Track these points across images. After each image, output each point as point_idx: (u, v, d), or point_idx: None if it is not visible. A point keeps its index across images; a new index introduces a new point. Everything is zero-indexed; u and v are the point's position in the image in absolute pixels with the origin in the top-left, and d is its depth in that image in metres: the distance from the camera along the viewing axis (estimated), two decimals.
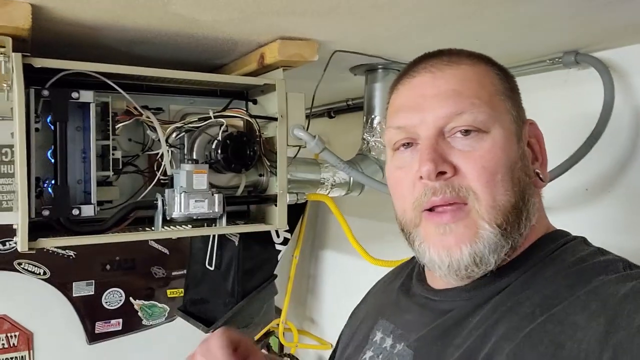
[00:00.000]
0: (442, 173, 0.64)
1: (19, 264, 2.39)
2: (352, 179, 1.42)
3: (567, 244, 0.67)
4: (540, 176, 0.70)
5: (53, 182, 1.00)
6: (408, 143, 0.69)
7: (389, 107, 0.75)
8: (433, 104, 0.66)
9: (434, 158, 0.64)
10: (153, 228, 1.11)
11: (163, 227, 1.11)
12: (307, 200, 1.97)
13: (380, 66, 1.35)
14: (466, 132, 0.65)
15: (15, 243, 0.93)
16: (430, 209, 0.66)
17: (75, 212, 1.01)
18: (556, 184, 1.14)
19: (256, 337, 2.09)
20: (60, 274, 2.44)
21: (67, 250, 2.42)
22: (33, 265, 2.41)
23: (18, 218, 0.94)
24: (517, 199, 0.65)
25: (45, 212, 0.98)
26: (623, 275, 0.57)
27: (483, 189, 0.63)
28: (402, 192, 0.70)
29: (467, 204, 0.64)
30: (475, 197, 0.63)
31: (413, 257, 0.90)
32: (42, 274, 2.43)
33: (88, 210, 1.02)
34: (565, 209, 1.27)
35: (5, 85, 1.12)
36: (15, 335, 2.43)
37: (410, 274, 0.83)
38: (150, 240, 2.59)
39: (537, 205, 0.69)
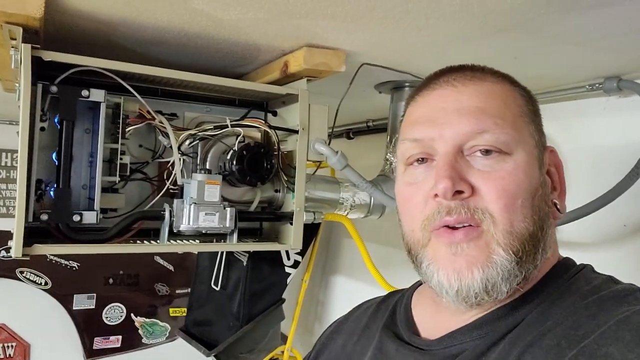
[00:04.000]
0: (460, 192, 0.59)
1: (21, 272, 2.35)
2: (372, 200, 1.35)
3: (578, 272, 0.64)
4: (558, 207, 0.66)
5: (55, 185, 0.94)
6: (423, 158, 0.65)
7: (405, 119, 0.70)
8: (453, 118, 0.62)
9: (451, 175, 0.59)
10: (158, 241, 1.05)
11: (169, 240, 1.04)
12: (320, 222, 1.90)
13: (407, 84, 1.30)
14: (487, 152, 0.61)
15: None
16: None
17: (76, 218, 0.95)
18: (592, 218, 1.07)
19: None
20: (62, 285, 2.41)
21: (70, 261, 2.36)
22: (35, 274, 2.36)
23: (14, 221, 0.87)
24: (535, 228, 0.61)
25: (44, 217, 0.92)
26: None
27: (501, 212, 0.59)
28: (411, 210, 0.65)
29: (480, 227, 0.59)
30: (492, 220, 0.59)
31: (389, 295, 0.85)
32: (43, 284, 2.38)
33: (90, 217, 0.97)
34: (601, 245, 1.21)
35: (17, 84, 1.06)
36: (12, 346, 2.38)
37: (392, 317, 0.75)
38: (156, 255, 2.54)
39: (553, 238, 0.65)
